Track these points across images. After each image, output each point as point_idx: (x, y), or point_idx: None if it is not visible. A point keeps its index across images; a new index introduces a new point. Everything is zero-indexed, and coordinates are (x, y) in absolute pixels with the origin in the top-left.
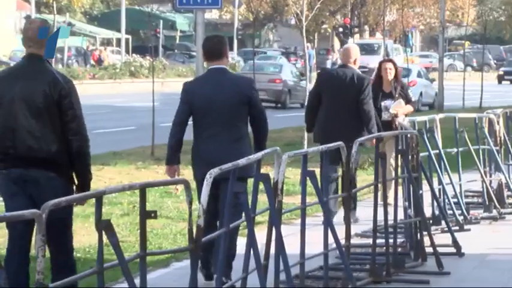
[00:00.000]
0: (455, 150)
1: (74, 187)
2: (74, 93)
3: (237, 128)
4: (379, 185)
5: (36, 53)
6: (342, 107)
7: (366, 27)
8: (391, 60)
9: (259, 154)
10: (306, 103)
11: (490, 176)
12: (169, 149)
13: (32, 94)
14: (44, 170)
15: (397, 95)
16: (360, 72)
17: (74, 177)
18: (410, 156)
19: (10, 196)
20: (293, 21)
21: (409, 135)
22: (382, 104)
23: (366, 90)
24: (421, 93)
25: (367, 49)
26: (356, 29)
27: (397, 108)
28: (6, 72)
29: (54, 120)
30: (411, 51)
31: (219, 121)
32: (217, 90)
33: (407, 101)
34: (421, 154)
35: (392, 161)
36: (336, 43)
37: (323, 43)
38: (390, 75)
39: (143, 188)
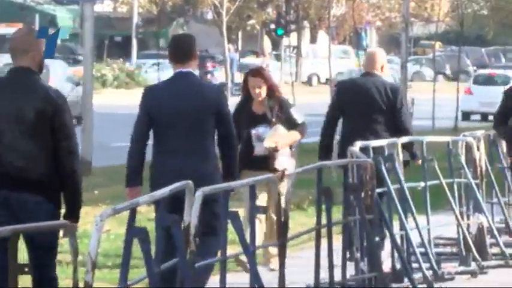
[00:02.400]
0: (422, 184)
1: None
2: (68, 109)
3: (204, 142)
4: (323, 230)
5: (25, 65)
6: (369, 125)
7: (306, 23)
8: (259, 72)
9: (166, 190)
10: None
11: (468, 218)
12: (130, 169)
13: (22, 110)
14: (32, 193)
15: (274, 119)
16: (390, 82)
17: (64, 204)
18: (363, 193)
19: None
20: (210, 16)
21: (361, 165)
22: (253, 132)
23: (403, 102)
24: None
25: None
26: (293, 26)
27: (276, 139)
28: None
29: (46, 139)
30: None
31: (183, 133)
32: (183, 98)
33: (292, 124)
34: (378, 190)
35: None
36: (267, 44)
37: (249, 44)
38: (260, 95)
39: (15, 235)
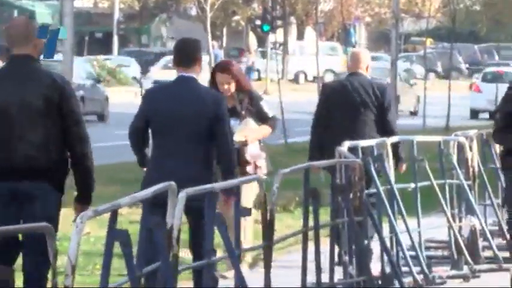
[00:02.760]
0: (412, 185)
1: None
2: (74, 95)
3: (201, 148)
4: (310, 233)
5: (26, 53)
6: (357, 125)
7: (293, 18)
8: (227, 68)
9: (148, 191)
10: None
11: (460, 221)
12: (138, 154)
13: (30, 98)
14: (39, 181)
15: (243, 112)
16: (378, 81)
17: (76, 188)
18: (351, 194)
19: None
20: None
21: (350, 166)
22: None
23: (391, 104)
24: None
25: None
26: (279, 22)
27: (245, 133)
28: None
29: (55, 126)
30: None
31: (181, 139)
32: (181, 103)
33: (262, 118)
34: (367, 191)
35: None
36: (252, 40)
37: (234, 40)
38: (229, 90)
39: None
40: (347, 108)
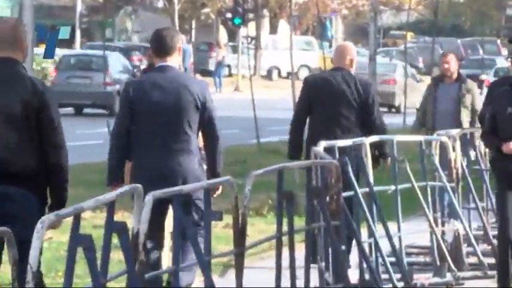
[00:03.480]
0: (392, 188)
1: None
2: (54, 102)
3: (187, 138)
4: (284, 238)
5: (10, 56)
6: (339, 123)
7: (266, 11)
8: None
9: (112, 194)
10: None
11: (443, 225)
12: (112, 165)
13: (9, 102)
14: (17, 186)
15: None
16: (362, 77)
17: (50, 196)
18: (328, 197)
19: None
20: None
21: (326, 167)
22: None
23: (375, 99)
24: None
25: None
26: (251, 15)
27: None
28: None
29: (32, 131)
30: (330, 47)
31: (165, 129)
32: (165, 93)
33: None
34: (345, 194)
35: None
36: (223, 35)
37: (204, 35)
38: None
39: None
40: (328, 104)
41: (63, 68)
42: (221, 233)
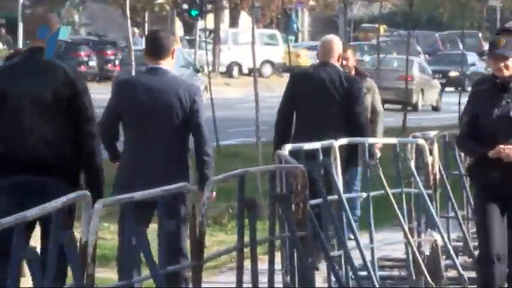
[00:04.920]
0: (364, 195)
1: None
2: (87, 91)
3: (175, 142)
4: (246, 250)
5: (42, 46)
6: (325, 120)
7: (225, 2)
8: None
9: (59, 202)
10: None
11: (419, 236)
12: (108, 147)
13: (42, 92)
14: (51, 176)
15: None
16: (347, 73)
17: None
18: (293, 205)
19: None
20: None
21: (291, 172)
22: None
23: (359, 97)
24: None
25: None
26: (209, 6)
27: None
28: (7, 68)
29: (66, 120)
30: (296, 41)
31: (152, 132)
32: (153, 95)
33: None
34: (312, 201)
35: None
36: (178, 28)
37: (158, 27)
38: None
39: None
40: (312, 101)
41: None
42: None
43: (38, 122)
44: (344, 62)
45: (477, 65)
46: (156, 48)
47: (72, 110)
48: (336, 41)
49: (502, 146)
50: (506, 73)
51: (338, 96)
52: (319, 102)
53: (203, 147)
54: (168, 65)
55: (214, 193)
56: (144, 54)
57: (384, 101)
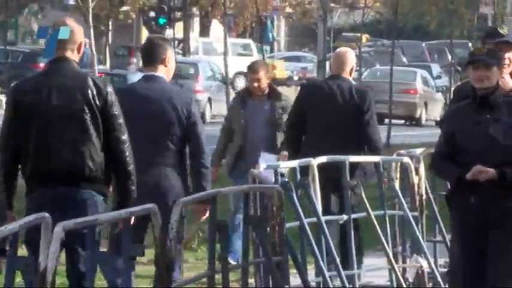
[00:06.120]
0: (345, 217)
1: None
2: (116, 99)
3: (170, 153)
4: (217, 276)
5: (66, 55)
6: (335, 134)
7: (196, 9)
8: None
9: (15, 225)
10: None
11: (404, 261)
12: None
13: (73, 102)
14: (83, 187)
15: None
16: (358, 85)
17: (116, 192)
18: (268, 228)
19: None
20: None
21: (266, 193)
22: None
23: (370, 109)
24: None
25: None
26: (178, 14)
27: None
28: (35, 79)
29: (98, 131)
30: (271, 51)
31: (146, 143)
32: (147, 104)
33: None
34: (288, 224)
35: None
36: (145, 36)
37: (123, 36)
38: None
39: None
40: (322, 115)
41: None
42: (143, 271)
43: (72, 134)
44: (256, 84)
45: (443, 78)
46: (148, 55)
47: (104, 120)
48: (349, 54)
49: (479, 167)
50: (487, 84)
51: (348, 109)
52: (330, 115)
53: (200, 159)
54: (162, 72)
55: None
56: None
57: (384, 116)
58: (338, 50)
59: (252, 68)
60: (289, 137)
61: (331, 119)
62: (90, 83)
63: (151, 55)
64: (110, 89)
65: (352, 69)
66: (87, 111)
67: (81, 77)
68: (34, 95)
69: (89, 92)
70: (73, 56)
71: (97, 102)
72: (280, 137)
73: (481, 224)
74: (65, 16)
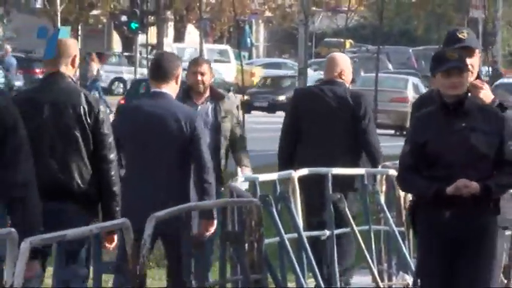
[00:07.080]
0: (327, 233)
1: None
2: (107, 117)
3: (175, 170)
4: None
5: (60, 71)
6: (331, 141)
7: (170, 14)
8: None
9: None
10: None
11: (390, 279)
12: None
13: (65, 119)
14: (70, 203)
15: None
16: (354, 89)
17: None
18: (247, 245)
19: None
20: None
21: (245, 207)
22: None
23: (367, 114)
24: None
25: None
26: (151, 18)
27: None
28: (29, 94)
29: (87, 148)
30: (250, 57)
31: (150, 159)
32: (154, 121)
33: None
34: (268, 240)
35: None
36: (116, 43)
37: (93, 42)
38: None
39: None
40: (317, 120)
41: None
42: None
43: (62, 150)
44: (199, 77)
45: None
46: (157, 71)
47: (93, 138)
48: (339, 58)
49: (464, 181)
50: (461, 91)
51: (344, 114)
52: (325, 122)
53: (203, 174)
54: (170, 89)
55: (216, 221)
56: (149, 78)
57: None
58: (331, 54)
59: (196, 61)
60: (283, 149)
61: (327, 124)
62: (83, 99)
63: (160, 71)
64: (102, 107)
65: (342, 73)
66: (77, 128)
67: (74, 93)
68: (27, 108)
69: (81, 109)
70: (67, 70)
71: (88, 119)
72: (224, 145)
73: (454, 242)
74: (32, 20)
